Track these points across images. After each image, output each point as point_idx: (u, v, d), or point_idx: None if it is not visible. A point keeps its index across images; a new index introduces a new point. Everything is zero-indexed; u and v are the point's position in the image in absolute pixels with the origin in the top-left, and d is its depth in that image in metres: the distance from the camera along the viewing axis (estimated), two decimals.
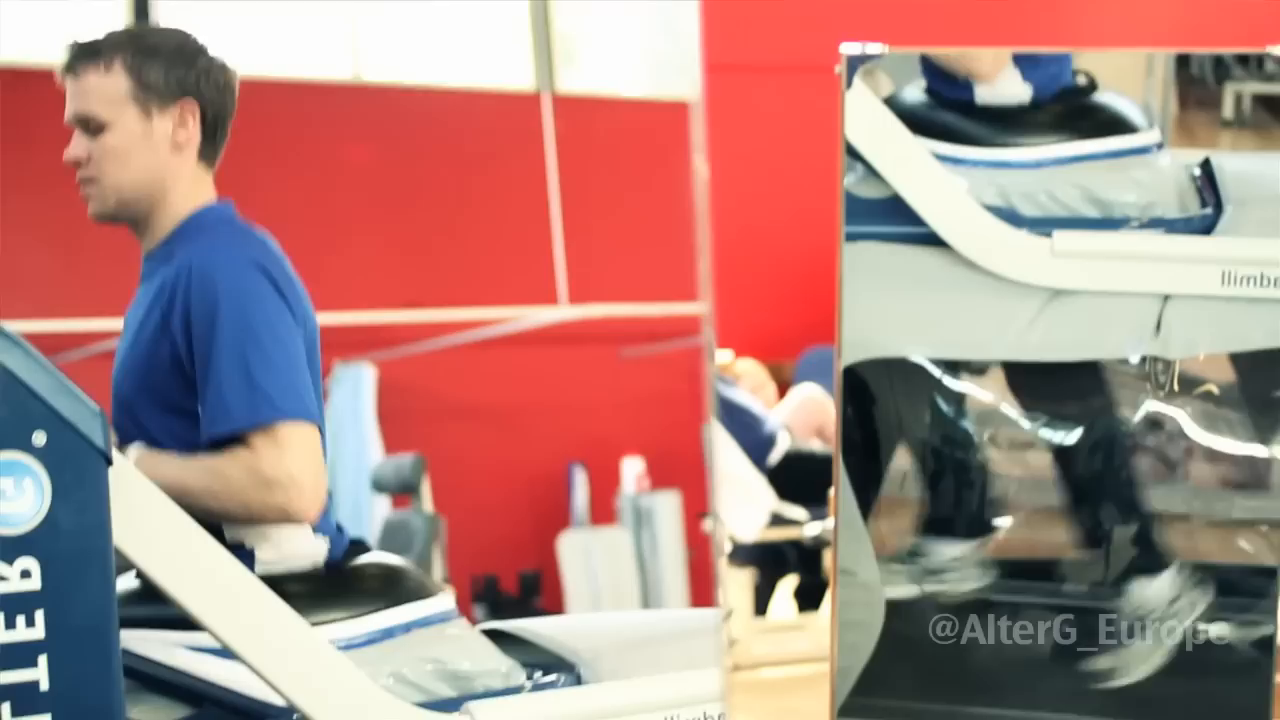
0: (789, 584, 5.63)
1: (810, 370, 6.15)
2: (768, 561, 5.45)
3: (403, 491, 5.76)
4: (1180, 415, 2.15)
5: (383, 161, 7.59)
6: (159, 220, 2.29)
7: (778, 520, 5.35)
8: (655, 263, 7.74)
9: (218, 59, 2.32)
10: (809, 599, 5.61)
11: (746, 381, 5.90)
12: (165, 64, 2.26)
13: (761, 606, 5.48)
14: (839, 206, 2.10)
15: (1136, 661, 2.15)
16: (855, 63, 2.05)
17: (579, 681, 2.25)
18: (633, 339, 7.80)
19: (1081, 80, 2.22)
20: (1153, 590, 2.15)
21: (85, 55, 2.26)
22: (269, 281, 2.19)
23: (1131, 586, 2.14)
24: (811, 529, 5.16)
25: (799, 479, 5.40)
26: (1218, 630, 2.13)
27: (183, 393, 2.18)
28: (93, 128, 2.25)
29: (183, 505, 1.92)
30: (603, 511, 7.70)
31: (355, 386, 7.00)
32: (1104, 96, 2.22)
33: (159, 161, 2.26)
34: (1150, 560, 2.15)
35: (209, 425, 2.13)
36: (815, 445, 5.68)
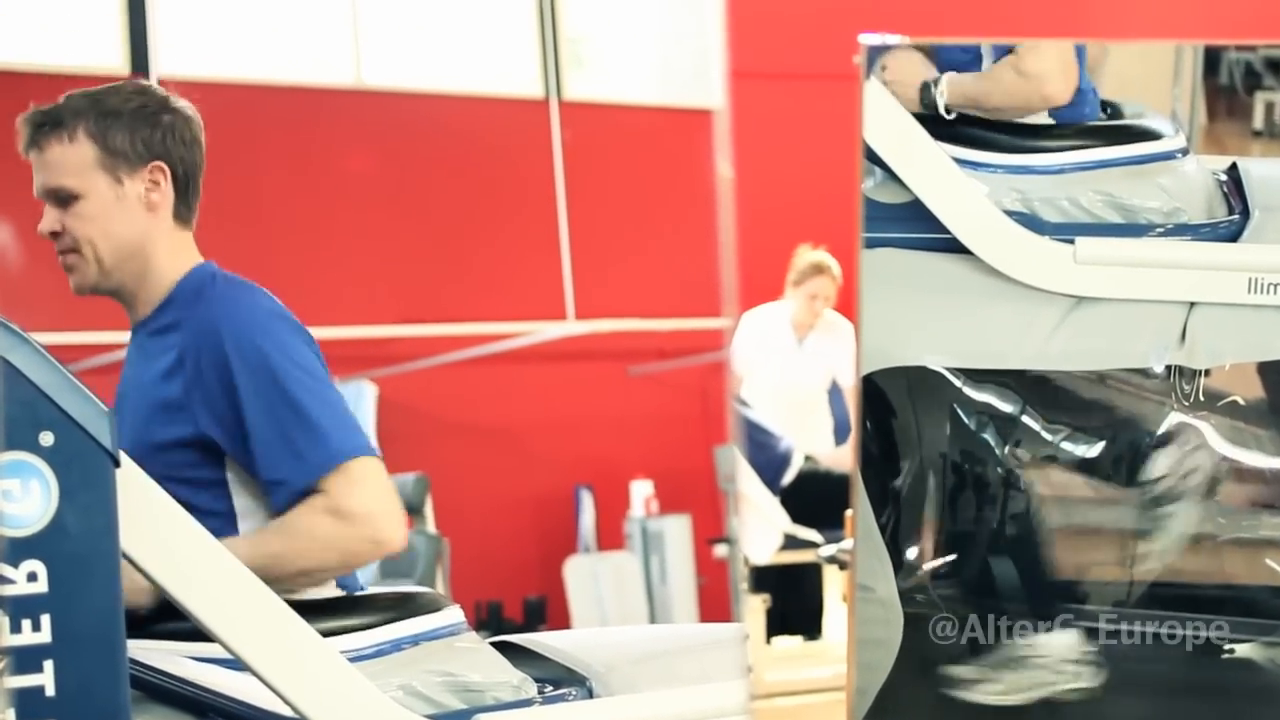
0: (804, 610, 5.61)
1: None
2: (782, 586, 5.43)
3: (405, 512, 5.72)
4: (1205, 428, 2.12)
5: (384, 169, 7.57)
6: (147, 288, 2.26)
7: (791, 542, 5.32)
8: (666, 276, 7.72)
9: (182, 111, 2.28)
10: (825, 625, 5.60)
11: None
12: (129, 127, 2.22)
13: (773, 634, 5.47)
14: (858, 212, 2.07)
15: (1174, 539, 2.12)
16: (874, 54, 2.03)
17: (591, 695, 2.23)
18: (642, 356, 7.77)
19: (1105, 114, 2.20)
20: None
21: (46, 127, 2.22)
22: (289, 326, 2.20)
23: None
24: (826, 551, 5.13)
25: (813, 499, 5.37)
26: (1243, 651, 2.10)
27: (198, 465, 2.17)
28: (64, 199, 2.22)
29: (272, 579, 1.95)
30: (610, 536, 7.66)
31: (355, 404, 6.95)
32: (1128, 103, 2.19)
33: (137, 227, 2.23)
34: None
35: (284, 483, 2.12)
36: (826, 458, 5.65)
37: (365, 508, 2.12)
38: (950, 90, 2.10)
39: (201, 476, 2.17)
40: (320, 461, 2.12)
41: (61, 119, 2.22)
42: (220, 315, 2.18)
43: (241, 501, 2.18)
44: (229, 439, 2.14)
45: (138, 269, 2.25)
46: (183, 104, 2.30)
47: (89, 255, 2.22)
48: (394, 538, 2.15)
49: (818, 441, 5.80)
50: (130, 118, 2.23)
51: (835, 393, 5.94)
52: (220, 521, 2.15)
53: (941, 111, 2.10)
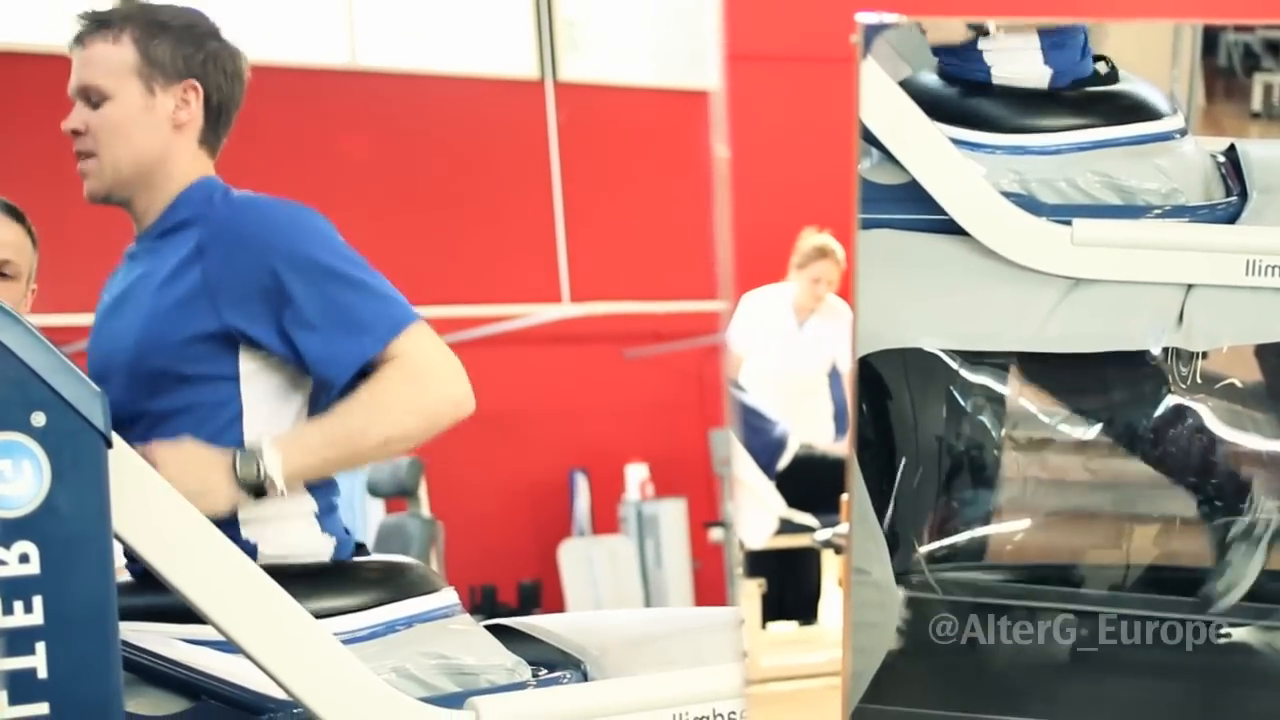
0: (799, 594, 5.61)
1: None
2: (778, 570, 5.43)
3: (399, 495, 5.71)
4: (1203, 410, 2.11)
5: (379, 151, 7.54)
6: (156, 198, 2.25)
7: (787, 526, 5.32)
8: (661, 259, 7.70)
9: (229, 44, 2.30)
10: (820, 610, 5.60)
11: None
12: (174, 41, 2.23)
13: (768, 618, 5.47)
14: (854, 193, 2.05)
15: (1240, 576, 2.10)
16: (872, 33, 2.01)
17: (585, 678, 2.23)
18: (637, 339, 7.76)
19: (1102, 68, 2.18)
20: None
21: (94, 25, 2.23)
22: (310, 213, 2.23)
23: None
24: (822, 535, 5.13)
25: (809, 483, 5.36)
26: (1240, 635, 2.09)
27: (211, 359, 2.15)
28: (94, 99, 2.21)
29: (356, 454, 2.04)
30: (605, 519, 7.65)
31: None
32: (1126, 83, 2.18)
33: (159, 139, 2.23)
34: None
35: (347, 360, 2.11)
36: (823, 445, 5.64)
37: (438, 365, 2.13)
38: None
39: (212, 372, 2.15)
40: (386, 331, 2.12)
41: (110, 21, 2.23)
42: (241, 209, 2.20)
43: (251, 395, 2.16)
44: (264, 329, 2.13)
45: (151, 181, 2.24)
46: (232, 39, 2.31)
47: (106, 160, 2.21)
48: (468, 394, 2.16)
49: (817, 428, 5.79)
50: (177, 33, 2.24)
51: (835, 377, 5.92)
52: (227, 416, 2.14)
53: None
